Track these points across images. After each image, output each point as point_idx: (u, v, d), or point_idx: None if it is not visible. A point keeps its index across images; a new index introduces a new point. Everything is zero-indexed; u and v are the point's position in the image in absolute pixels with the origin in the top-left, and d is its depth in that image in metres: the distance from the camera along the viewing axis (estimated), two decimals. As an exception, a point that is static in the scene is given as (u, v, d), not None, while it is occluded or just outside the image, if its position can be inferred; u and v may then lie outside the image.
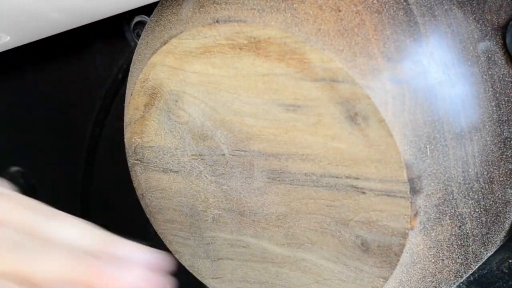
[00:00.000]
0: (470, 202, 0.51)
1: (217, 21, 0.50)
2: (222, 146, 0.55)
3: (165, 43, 0.53)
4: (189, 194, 0.57)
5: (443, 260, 0.52)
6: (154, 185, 0.59)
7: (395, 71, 0.48)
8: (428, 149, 0.49)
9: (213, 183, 0.56)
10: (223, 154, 0.55)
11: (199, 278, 0.60)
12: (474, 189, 0.51)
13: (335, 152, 0.50)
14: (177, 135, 0.56)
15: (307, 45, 0.48)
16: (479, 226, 0.52)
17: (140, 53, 0.57)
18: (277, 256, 0.55)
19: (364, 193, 0.50)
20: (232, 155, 0.55)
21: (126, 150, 0.59)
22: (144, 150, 0.58)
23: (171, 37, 0.53)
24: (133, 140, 0.58)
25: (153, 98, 0.56)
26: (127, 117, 0.58)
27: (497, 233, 0.54)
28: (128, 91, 0.58)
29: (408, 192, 0.48)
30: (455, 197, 0.50)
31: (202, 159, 0.56)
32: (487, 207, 0.52)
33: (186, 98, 0.54)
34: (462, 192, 0.50)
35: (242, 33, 0.50)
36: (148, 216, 0.60)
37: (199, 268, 0.59)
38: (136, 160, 0.59)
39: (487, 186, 0.51)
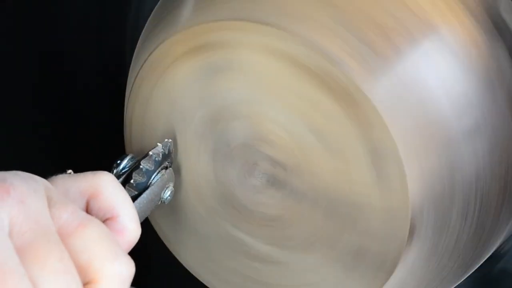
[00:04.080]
0: (468, 214, 0.51)
1: (217, 22, 0.50)
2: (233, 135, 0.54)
3: (161, 43, 0.53)
4: None
5: (439, 270, 0.52)
6: None
7: (395, 73, 0.48)
8: (428, 155, 0.48)
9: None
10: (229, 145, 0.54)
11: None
12: (472, 202, 0.50)
13: (344, 182, 0.49)
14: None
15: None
16: (475, 240, 0.52)
17: (139, 53, 0.57)
18: (262, 253, 0.55)
19: (362, 210, 0.50)
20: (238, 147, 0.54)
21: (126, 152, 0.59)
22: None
23: (169, 37, 0.52)
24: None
25: None
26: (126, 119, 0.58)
27: (490, 248, 0.54)
28: (127, 94, 0.58)
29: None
30: (452, 210, 0.50)
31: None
32: (483, 223, 0.52)
33: None
34: (460, 205, 0.50)
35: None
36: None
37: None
38: None
39: (484, 200, 0.51)
